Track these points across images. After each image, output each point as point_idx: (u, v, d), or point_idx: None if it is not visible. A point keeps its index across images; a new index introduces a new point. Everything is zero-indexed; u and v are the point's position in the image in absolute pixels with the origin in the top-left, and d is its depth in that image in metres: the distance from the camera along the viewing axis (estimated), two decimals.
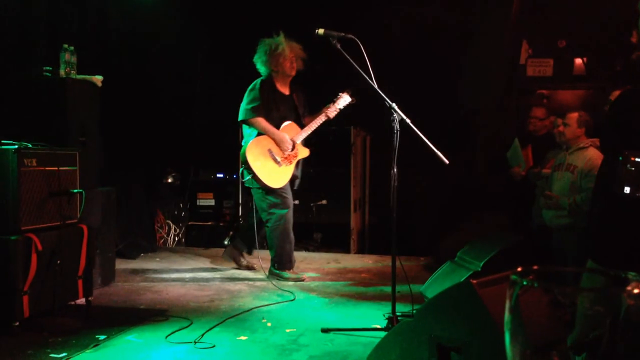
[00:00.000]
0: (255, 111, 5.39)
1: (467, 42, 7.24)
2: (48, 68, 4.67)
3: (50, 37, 5.35)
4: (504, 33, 7.05)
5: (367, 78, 3.92)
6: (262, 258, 5.56)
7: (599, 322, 0.73)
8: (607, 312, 0.73)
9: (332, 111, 5.56)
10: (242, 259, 5.93)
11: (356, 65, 3.92)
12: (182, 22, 7.60)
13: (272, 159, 5.42)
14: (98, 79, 4.92)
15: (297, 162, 5.60)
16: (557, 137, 5.23)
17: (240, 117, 5.45)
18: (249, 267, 5.87)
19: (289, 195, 5.54)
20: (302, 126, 5.58)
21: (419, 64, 7.43)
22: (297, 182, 5.72)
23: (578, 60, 7.25)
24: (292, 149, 5.48)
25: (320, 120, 5.56)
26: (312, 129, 5.58)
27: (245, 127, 5.60)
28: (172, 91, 7.36)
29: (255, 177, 5.34)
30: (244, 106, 5.45)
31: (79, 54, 4.76)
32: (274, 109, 5.48)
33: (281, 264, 5.50)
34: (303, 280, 5.46)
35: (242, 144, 5.53)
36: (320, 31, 4.02)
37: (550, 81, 7.37)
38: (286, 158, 5.46)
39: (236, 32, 7.60)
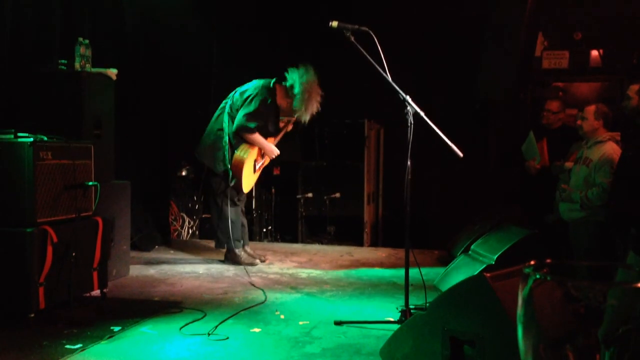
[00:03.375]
0: (256, 129, 5.55)
1: (483, 34, 7.19)
2: (63, 61, 4.68)
3: (65, 31, 5.37)
4: (519, 25, 6.98)
5: (381, 71, 3.89)
6: (266, 249, 5.56)
7: (628, 317, 0.73)
8: (621, 307, 0.72)
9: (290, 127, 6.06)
10: (242, 256, 5.74)
11: (370, 58, 3.90)
12: (198, 14, 7.59)
13: (253, 168, 5.75)
14: (113, 72, 4.93)
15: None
16: (578, 131, 5.19)
17: (239, 130, 5.50)
18: (253, 262, 5.75)
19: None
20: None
21: (434, 56, 7.39)
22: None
23: (594, 53, 7.17)
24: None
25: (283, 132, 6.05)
26: (277, 140, 6.00)
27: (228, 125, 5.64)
28: (187, 84, 7.36)
29: (237, 180, 5.58)
30: (245, 120, 5.47)
31: (94, 47, 4.78)
32: (269, 123, 5.68)
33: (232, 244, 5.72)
34: (255, 265, 5.68)
35: (224, 145, 5.57)
36: (334, 23, 3.97)
37: (566, 73, 7.29)
38: (260, 167, 5.88)
39: (252, 24, 7.60)
